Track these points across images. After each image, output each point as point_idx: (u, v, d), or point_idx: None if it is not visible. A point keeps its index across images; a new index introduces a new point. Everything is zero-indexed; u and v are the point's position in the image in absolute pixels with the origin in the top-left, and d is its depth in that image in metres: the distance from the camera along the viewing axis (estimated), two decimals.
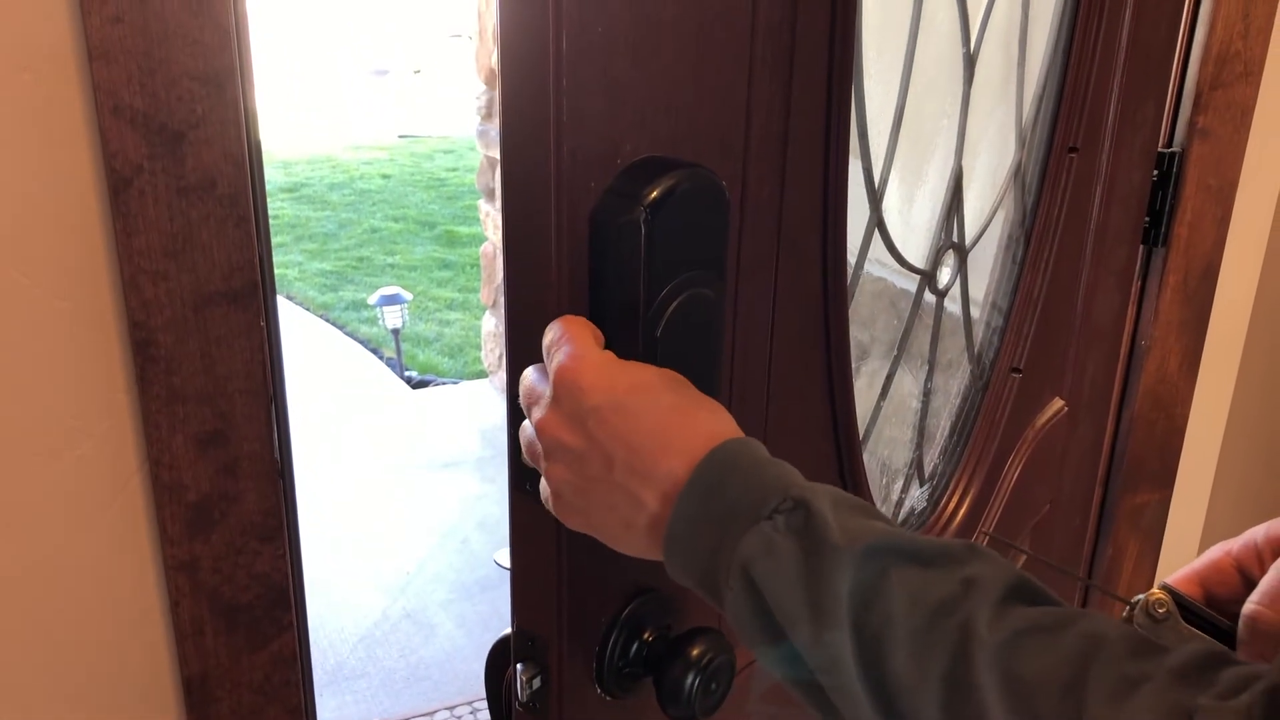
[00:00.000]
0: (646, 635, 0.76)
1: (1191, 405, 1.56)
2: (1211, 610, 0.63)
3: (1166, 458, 1.58)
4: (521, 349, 0.66)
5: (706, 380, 0.65)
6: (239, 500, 0.76)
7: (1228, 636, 0.62)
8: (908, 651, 0.49)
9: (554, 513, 0.64)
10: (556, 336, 0.63)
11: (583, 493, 0.62)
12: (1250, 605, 0.60)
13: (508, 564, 0.73)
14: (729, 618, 0.57)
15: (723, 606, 0.57)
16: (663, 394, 0.61)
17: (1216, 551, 0.66)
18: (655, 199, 0.63)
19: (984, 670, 0.47)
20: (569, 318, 0.64)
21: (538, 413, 0.62)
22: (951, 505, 1.21)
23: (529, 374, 0.65)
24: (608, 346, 0.65)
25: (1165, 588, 0.64)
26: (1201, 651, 0.45)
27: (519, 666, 0.74)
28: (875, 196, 0.96)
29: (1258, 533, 0.65)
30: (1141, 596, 0.63)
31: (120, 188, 0.66)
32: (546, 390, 0.62)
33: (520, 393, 0.65)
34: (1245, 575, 0.64)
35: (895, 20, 0.96)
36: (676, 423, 0.60)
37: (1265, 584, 0.60)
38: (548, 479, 0.63)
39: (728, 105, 0.71)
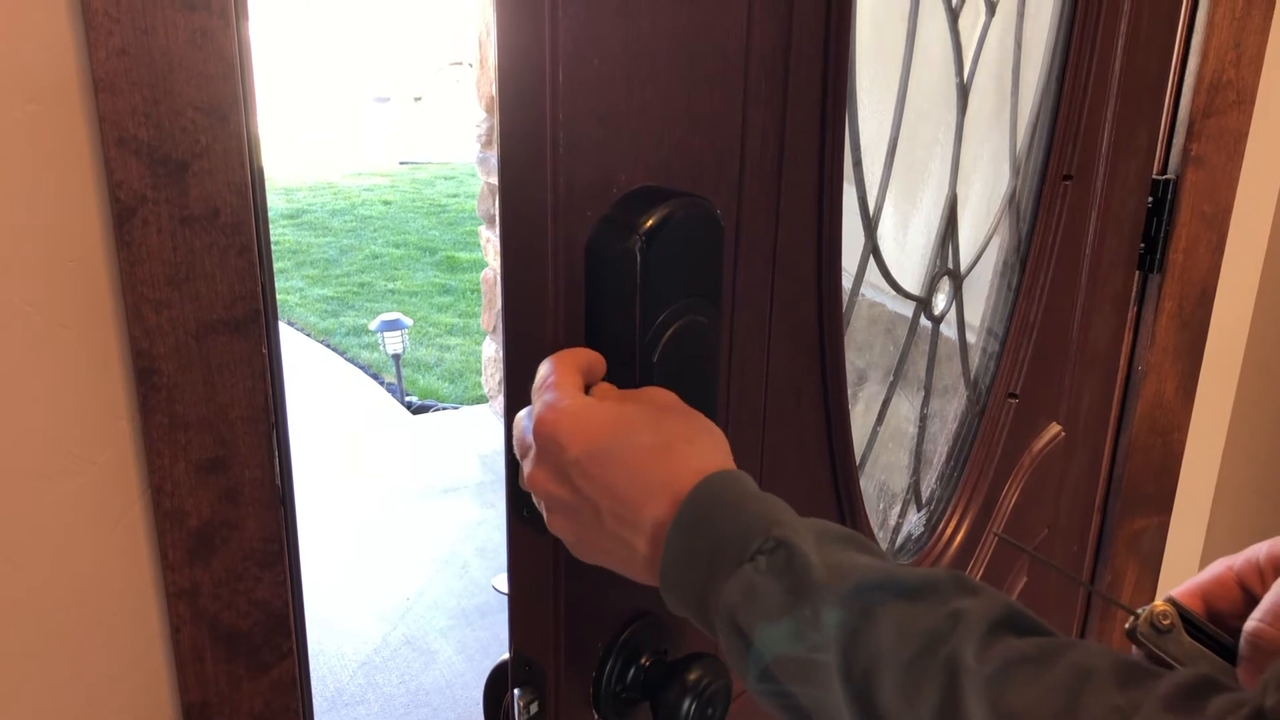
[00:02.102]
0: (643, 660, 0.77)
1: (1189, 430, 1.56)
2: (1213, 626, 0.63)
3: (1164, 482, 1.58)
4: (520, 376, 0.67)
5: (703, 407, 0.66)
6: (240, 527, 0.76)
7: (1230, 652, 0.62)
8: (897, 687, 0.49)
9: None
10: (539, 381, 0.63)
11: (582, 540, 0.62)
12: (1252, 622, 0.60)
13: (505, 589, 0.73)
14: (725, 657, 0.58)
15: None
16: (642, 431, 0.60)
17: (1219, 567, 0.66)
18: (651, 227, 0.63)
19: (974, 703, 0.47)
20: (558, 355, 0.64)
21: (527, 467, 0.63)
22: (949, 530, 1.22)
23: (520, 419, 0.65)
24: (604, 375, 0.65)
25: (1170, 600, 0.64)
26: (1190, 679, 0.45)
27: (516, 692, 0.74)
28: (870, 223, 0.97)
29: (1260, 549, 0.65)
30: (1146, 607, 0.63)
31: (124, 217, 0.67)
32: (532, 443, 0.63)
33: (514, 439, 0.66)
34: (1247, 591, 0.64)
35: (889, 50, 0.97)
36: (657, 463, 0.59)
37: (1267, 601, 0.60)
38: (549, 527, 0.64)
39: (722, 134, 0.72)
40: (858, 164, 0.92)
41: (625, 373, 0.66)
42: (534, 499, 0.64)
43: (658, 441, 0.60)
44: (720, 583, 0.56)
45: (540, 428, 0.61)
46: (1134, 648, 0.63)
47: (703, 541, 0.57)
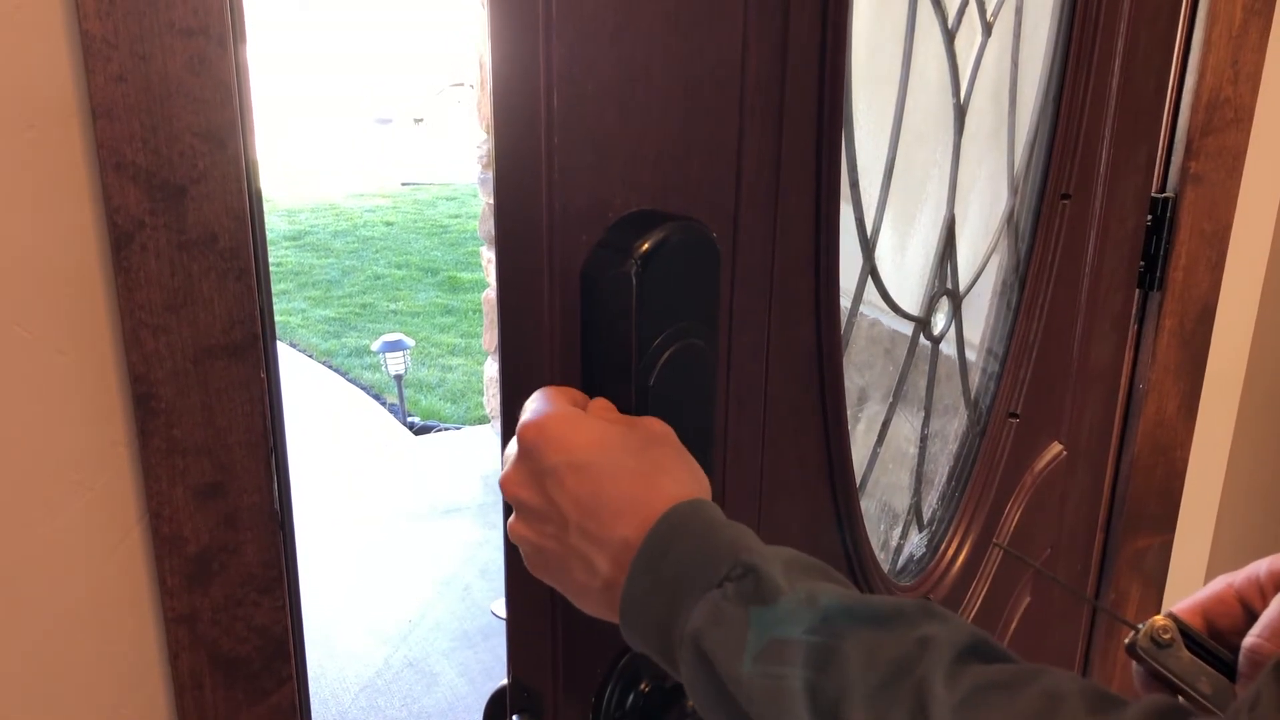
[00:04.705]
0: (642, 686, 0.76)
1: (1191, 448, 1.56)
2: (1213, 641, 0.63)
3: (1167, 501, 1.58)
4: (516, 401, 0.67)
5: (700, 430, 0.66)
6: (238, 552, 0.76)
7: (1229, 668, 0.62)
8: (865, 713, 0.49)
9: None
10: (531, 398, 0.63)
11: (541, 552, 0.62)
12: (1251, 638, 0.60)
13: (504, 615, 0.73)
14: (685, 688, 0.57)
15: (679, 676, 0.57)
16: (624, 455, 0.60)
17: (1219, 583, 0.66)
18: (646, 251, 0.63)
19: None
20: (550, 386, 0.65)
21: (504, 469, 0.63)
22: (951, 551, 1.21)
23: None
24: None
25: (1171, 616, 0.64)
26: (1160, 704, 0.45)
27: (515, 718, 0.73)
28: (868, 244, 0.97)
29: (1260, 566, 0.65)
30: (1147, 622, 0.63)
31: (122, 243, 0.67)
32: (513, 447, 0.62)
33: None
34: (1247, 608, 0.64)
35: (885, 72, 0.97)
36: (634, 487, 0.59)
37: (1266, 618, 0.60)
38: (510, 534, 0.63)
39: (718, 158, 0.72)
40: (855, 185, 0.92)
41: (621, 397, 0.66)
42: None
43: (638, 467, 0.60)
44: (686, 609, 0.55)
45: (525, 431, 0.61)
46: (1134, 663, 0.63)
47: (668, 569, 0.56)
